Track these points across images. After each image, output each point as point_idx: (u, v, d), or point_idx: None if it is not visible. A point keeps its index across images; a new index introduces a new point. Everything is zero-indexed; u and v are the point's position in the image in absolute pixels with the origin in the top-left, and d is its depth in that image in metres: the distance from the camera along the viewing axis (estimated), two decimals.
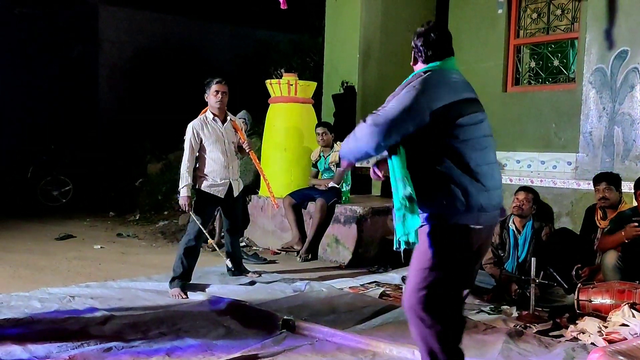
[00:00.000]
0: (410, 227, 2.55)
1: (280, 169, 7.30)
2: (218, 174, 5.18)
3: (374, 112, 2.60)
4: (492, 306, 4.71)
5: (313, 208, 6.69)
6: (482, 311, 4.58)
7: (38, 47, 12.90)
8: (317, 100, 7.93)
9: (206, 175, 5.17)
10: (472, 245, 2.65)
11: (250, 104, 8.14)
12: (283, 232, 7.04)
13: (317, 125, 6.99)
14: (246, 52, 12.54)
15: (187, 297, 4.87)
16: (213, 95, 5.16)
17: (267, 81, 7.59)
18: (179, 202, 5.14)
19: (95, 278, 5.47)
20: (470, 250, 2.66)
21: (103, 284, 5.18)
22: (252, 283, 5.38)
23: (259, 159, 7.67)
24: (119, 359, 3.44)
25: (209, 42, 13.84)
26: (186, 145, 5.13)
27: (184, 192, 5.05)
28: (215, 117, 5.22)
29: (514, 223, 5.17)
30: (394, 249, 2.66)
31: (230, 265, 5.44)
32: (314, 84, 7.67)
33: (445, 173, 2.56)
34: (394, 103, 2.60)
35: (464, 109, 2.65)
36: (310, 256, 6.49)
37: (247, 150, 5.41)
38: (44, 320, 4.12)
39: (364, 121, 2.60)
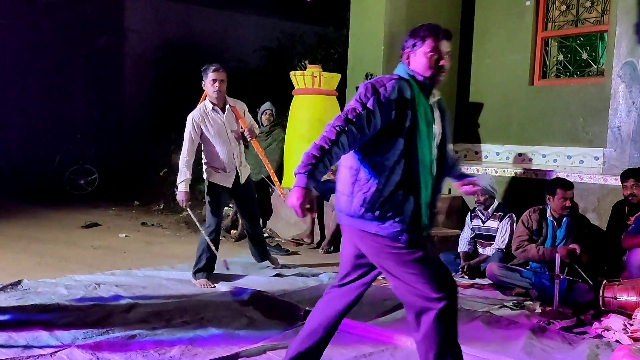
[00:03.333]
0: None
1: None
2: (224, 164, 5.06)
3: None
4: (515, 301, 4.68)
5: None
6: (505, 306, 4.55)
7: (64, 37, 13.05)
8: (341, 92, 7.91)
9: (213, 167, 5.07)
10: None
11: (274, 96, 8.16)
12: (305, 224, 7.05)
13: None
14: (271, 44, 12.55)
15: (215, 287, 4.90)
16: (210, 84, 4.94)
17: (291, 73, 7.60)
18: (177, 197, 5.00)
19: (120, 266, 5.54)
20: None
21: (128, 272, 5.24)
22: (278, 275, 5.39)
23: (282, 150, 7.71)
24: (143, 346, 3.48)
25: (234, 33, 13.88)
26: (186, 138, 4.94)
27: (181, 187, 4.91)
28: (215, 107, 5.02)
29: (552, 215, 5.03)
30: None
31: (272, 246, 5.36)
32: (338, 76, 7.65)
33: None
34: None
35: None
36: (332, 248, 6.49)
37: (248, 139, 5.17)
38: (70, 307, 4.18)
39: None
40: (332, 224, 6.61)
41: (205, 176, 5.11)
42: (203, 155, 5.09)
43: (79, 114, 13.23)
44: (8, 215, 8.39)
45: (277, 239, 7.24)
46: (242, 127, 5.14)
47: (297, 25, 12.98)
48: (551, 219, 5.01)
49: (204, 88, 5.06)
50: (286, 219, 7.40)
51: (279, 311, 4.20)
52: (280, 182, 7.69)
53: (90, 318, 3.92)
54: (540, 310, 4.44)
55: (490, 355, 3.38)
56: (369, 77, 7.95)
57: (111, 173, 11.63)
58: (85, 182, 11.35)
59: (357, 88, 2.69)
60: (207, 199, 5.12)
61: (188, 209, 5.08)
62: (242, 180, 5.21)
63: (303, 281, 5.16)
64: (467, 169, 7.10)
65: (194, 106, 5.13)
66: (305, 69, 7.59)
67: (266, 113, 7.75)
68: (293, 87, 7.62)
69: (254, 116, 7.50)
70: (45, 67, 12.86)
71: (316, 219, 6.90)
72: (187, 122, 4.98)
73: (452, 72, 8.40)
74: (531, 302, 4.64)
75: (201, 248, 5.06)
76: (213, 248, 5.04)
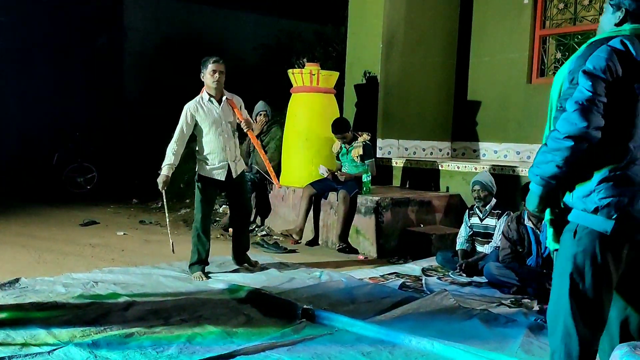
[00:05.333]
0: None
1: (302, 158, 7.31)
2: (216, 156, 5.07)
3: None
4: (513, 299, 4.68)
5: (334, 199, 6.70)
6: (503, 304, 4.55)
7: (64, 36, 13.03)
8: (339, 91, 7.91)
9: (205, 158, 5.10)
10: None
11: (272, 94, 8.16)
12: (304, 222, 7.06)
13: (333, 132, 6.87)
14: (270, 42, 12.54)
15: (209, 279, 4.98)
16: (210, 75, 5.01)
17: (290, 71, 7.59)
18: (157, 179, 4.97)
19: (118, 264, 5.54)
20: None
21: (125, 270, 5.24)
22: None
23: (281, 148, 7.71)
24: (141, 344, 3.48)
25: (233, 31, 13.88)
26: (178, 127, 5.03)
27: (164, 170, 4.95)
28: (211, 98, 5.07)
29: (530, 220, 5.05)
30: None
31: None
32: (336, 74, 7.65)
33: None
34: None
35: None
36: (346, 246, 6.47)
37: (244, 130, 5.21)
38: (68, 305, 4.17)
39: None
40: (338, 223, 6.53)
41: (196, 169, 5.14)
42: (196, 148, 5.13)
43: (78, 112, 13.20)
44: (6, 213, 8.38)
45: (274, 237, 7.24)
46: (238, 119, 5.18)
47: (295, 23, 12.99)
48: (530, 225, 5.02)
49: (202, 80, 5.11)
50: (284, 217, 7.40)
51: (277, 309, 4.20)
52: (279, 179, 7.70)
53: (88, 316, 3.92)
54: (538, 308, 4.44)
55: (489, 353, 3.38)
56: (367, 75, 7.96)
57: (110, 171, 11.63)
58: (84, 180, 11.34)
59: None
60: (196, 192, 5.14)
61: (163, 192, 5.07)
62: (235, 175, 5.19)
63: (301, 279, 5.15)
64: (466, 167, 7.11)
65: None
66: (303, 67, 7.59)
67: (261, 114, 7.73)
68: (291, 85, 7.62)
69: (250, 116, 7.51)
70: (44, 65, 12.84)
71: (312, 217, 6.90)
72: (183, 111, 5.06)
73: (450, 70, 8.42)
74: (529, 300, 4.65)
75: (193, 241, 5.15)
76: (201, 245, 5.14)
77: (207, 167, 5.10)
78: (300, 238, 6.74)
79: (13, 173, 11.66)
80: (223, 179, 5.13)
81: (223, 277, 5.13)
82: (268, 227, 7.56)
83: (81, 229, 7.61)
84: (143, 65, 13.06)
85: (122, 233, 7.30)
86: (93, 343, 3.43)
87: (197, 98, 5.11)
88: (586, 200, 2.33)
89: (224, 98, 5.14)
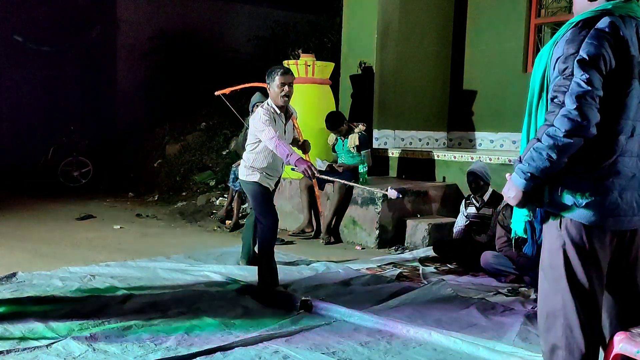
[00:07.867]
0: None
1: (297, 149, 7.28)
2: (273, 169, 4.67)
3: None
4: (510, 288, 4.70)
5: (330, 190, 6.70)
6: (500, 293, 4.57)
7: (57, 29, 12.97)
8: (334, 81, 7.89)
9: (264, 168, 4.61)
10: None
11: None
12: (300, 214, 7.06)
13: (328, 128, 6.87)
14: (264, 33, 12.50)
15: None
16: (278, 88, 4.53)
17: (285, 62, 7.56)
18: (300, 170, 4.34)
19: (115, 257, 5.53)
20: None
21: (123, 264, 5.24)
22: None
23: None
24: (139, 337, 3.48)
25: (227, 23, 13.82)
26: (267, 124, 4.39)
27: (294, 157, 4.33)
28: (280, 112, 4.62)
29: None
30: None
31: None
32: (331, 65, 7.63)
33: None
34: None
35: None
36: (332, 238, 6.50)
37: (306, 152, 4.84)
38: (66, 298, 4.18)
39: None
40: (328, 213, 6.59)
41: (247, 177, 4.63)
42: (252, 157, 4.61)
43: (72, 105, 13.16)
44: (2, 208, 8.35)
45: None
46: (300, 138, 4.89)
47: (290, 14, 12.95)
48: None
49: (268, 91, 4.67)
50: (280, 208, 7.36)
51: (275, 301, 4.21)
52: None
53: (85, 309, 3.91)
54: (534, 297, 4.45)
55: (486, 342, 3.40)
56: (363, 65, 7.94)
57: (105, 165, 11.61)
58: (79, 174, 11.31)
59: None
60: (255, 200, 4.63)
61: (318, 175, 4.60)
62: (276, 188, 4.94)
63: (298, 271, 5.16)
64: (462, 156, 7.11)
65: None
66: (298, 58, 7.56)
67: (257, 106, 7.69)
68: None
69: (245, 108, 7.48)
70: (38, 59, 12.78)
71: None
72: (262, 112, 4.50)
73: (445, 59, 8.40)
74: (525, 289, 4.67)
75: (264, 260, 4.59)
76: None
77: (262, 177, 4.61)
78: (313, 230, 6.75)
79: (8, 168, 11.62)
80: (272, 189, 4.76)
81: (220, 269, 5.12)
82: None
83: (77, 223, 7.59)
84: (137, 58, 13.00)
85: (118, 227, 7.29)
86: (91, 336, 3.43)
87: (269, 105, 4.60)
88: (576, 194, 2.27)
89: (291, 113, 4.77)
